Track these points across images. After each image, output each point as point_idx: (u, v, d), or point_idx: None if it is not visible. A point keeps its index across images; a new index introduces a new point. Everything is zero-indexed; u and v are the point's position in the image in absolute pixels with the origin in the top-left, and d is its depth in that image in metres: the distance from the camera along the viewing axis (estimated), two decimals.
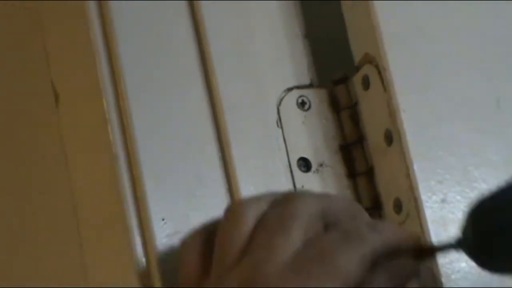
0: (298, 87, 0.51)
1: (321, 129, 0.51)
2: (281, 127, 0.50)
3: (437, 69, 0.50)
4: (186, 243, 0.43)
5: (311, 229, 0.39)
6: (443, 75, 0.50)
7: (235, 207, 0.42)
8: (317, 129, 0.51)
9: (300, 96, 0.51)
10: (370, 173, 0.50)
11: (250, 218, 0.40)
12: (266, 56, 0.52)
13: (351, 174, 0.51)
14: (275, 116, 0.50)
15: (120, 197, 0.45)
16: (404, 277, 0.39)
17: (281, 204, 0.40)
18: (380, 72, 0.48)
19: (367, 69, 0.49)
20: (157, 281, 0.44)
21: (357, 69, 0.51)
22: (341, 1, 0.52)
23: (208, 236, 0.43)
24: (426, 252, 0.40)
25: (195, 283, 0.42)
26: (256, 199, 0.42)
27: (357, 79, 0.51)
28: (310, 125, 0.51)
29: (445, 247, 0.39)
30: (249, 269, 0.38)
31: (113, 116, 0.46)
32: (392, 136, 0.47)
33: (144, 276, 0.44)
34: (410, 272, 0.39)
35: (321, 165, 0.50)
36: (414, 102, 0.48)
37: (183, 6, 0.50)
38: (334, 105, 0.52)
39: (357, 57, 0.51)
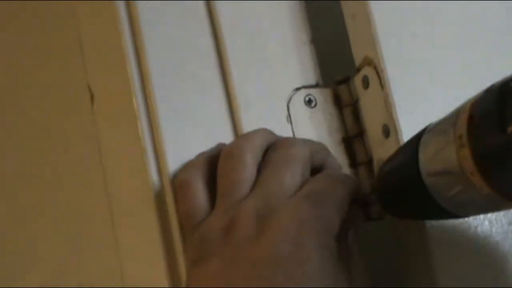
0: (305, 87, 0.53)
1: (326, 123, 0.53)
2: (291, 122, 0.52)
3: (429, 70, 0.51)
4: (186, 179, 0.45)
5: (307, 167, 0.45)
6: (435, 75, 0.51)
7: (235, 149, 0.45)
8: (322, 124, 0.53)
9: (307, 95, 0.53)
10: (369, 163, 0.52)
11: (250, 159, 0.44)
12: (277, 60, 0.53)
13: (353, 163, 0.53)
14: (285, 113, 0.52)
15: (149, 185, 0.47)
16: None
17: (282, 147, 0.45)
18: (378, 73, 0.50)
19: (367, 71, 0.51)
20: None
21: (358, 70, 0.52)
22: (344, 10, 0.54)
23: (207, 172, 0.45)
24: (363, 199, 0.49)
25: (201, 216, 0.44)
26: (251, 141, 0.45)
27: (357, 79, 0.52)
28: (316, 120, 0.53)
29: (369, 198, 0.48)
30: (263, 198, 0.42)
31: (142, 114, 0.48)
32: (389, 130, 0.49)
33: None
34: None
35: (333, 156, 0.51)
36: (408, 99, 0.49)
37: (205, 25, 0.52)
38: (337, 102, 0.54)
39: (358, 59, 0.52)
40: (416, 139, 0.41)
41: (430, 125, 0.41)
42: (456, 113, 0.38)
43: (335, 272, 0.41)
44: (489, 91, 0.36)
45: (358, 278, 0.47)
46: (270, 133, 0.48)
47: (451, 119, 0.38)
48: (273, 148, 0.46)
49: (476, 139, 0.36)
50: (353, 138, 0.54)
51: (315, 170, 0.47)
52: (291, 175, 0.44)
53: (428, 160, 0.39)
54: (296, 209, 0.41)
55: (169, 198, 0.47)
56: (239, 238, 0.41)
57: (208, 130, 0.50)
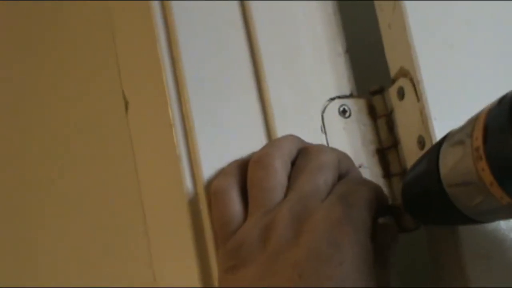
0: (339, 97, 0.54)
1: (360, 134, 0.53)
2: (325, 132, 0.52)
3: (465, 82, 0.51)
4: (221, 186, 0.46)
5: (336, 174, 0.46)
6: (471, 86, 0.51)
7: (264, 157, 0.46)
8: (356, 134, 0.53)
9: (342, 105, 0.53)
10: (403, 174, 0.52)
11: (280, 166, 0.45)
12: (312, 70, 0.54)
13: (387, 174, 0.53)
14: (320, 123, 0.53)
15: (183, 193, 0.48)
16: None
17: (313, 155, 0.46)
18: (414, 84, 0.50)
19: (402, 82, 0.51)
20: None
21: (393, 81, 0.52)
22: (379, 20, 0.54)
23: (240, 179, 0.46)
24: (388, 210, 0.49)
25: (236, 224, 0.45)
26: (279, 147, 0.46)
27: (392, 90, 0.52)
28: (350, 130, 0.53)
29: (398, 210, 0.48)
30: (299, 202, 0.43)
31: (177, 121, 0.48)
32: (424, 142, 0.49)
33: None
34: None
35: (360, 166, 0.52)
36: (445, 111, 0.49)
37: (241, 33, 0.52)
38: (372, 113, 0.54)
39: (393, 70, 0.52)
40: (437, 148, 0.42)
41: (450, 132, 0.42)
42: (472, 122, 0.38)
43: (371, 273, 0.41)
44: (501, 103, 0.37)
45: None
46: (298, 139, 0.49)
47: (468, 129, 0.39)
48: (304, 155, 0.47)
49: (492, 152, 0.36)
50: (387, 149, 0.54)
51: (341, 176, 0.48)
52: (324, 181, 0.45)
53: (449, 172, 0.40)
54: (331, 211, 0.42)
55: (203, 205, 0.48)
56: (277, 241, 0.42)
57: (242, 138, 0.50)
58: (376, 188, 0.47)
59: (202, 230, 0.48)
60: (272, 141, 0.49)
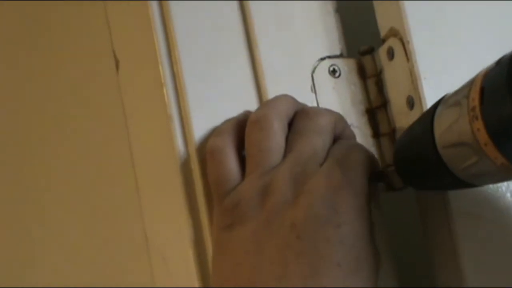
0: (329, 57, 0.54)
1: (349, 94, 0.54)
2: (315, 92, 0.52)
3: (455, 42, 0.51)
4: (217, 145, 0.46)
5: (332, 136, 0.46)
6: (462, 47, 0.51)
7: (262, 118, 0.45)
8: (346, 94, 0.53)
9: (332, 65, 0.53)
10: (392, 133, 0.52)
11: (278, 127, 0.45)
12: (302, 30, 0.53)
13: (376, 134, 0.53)
14: (310, 83, 0.52)
15: (174, 153, 0.48)
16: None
17: (311, 117, 0.46)
18: (404, 44, 0.50)
19: (392, 42, 0.51)
20: None
21: (383, 41, 0.52)
22: None
23: (236, 138, 0.46)
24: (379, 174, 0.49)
25: (232, 183, 0.45)
26: (276, 108, 0.46)
27: (382, 51, 0.52)
28: (340, 90, 0.53)
29: (389, 172, 0.48)
30: (298, 164, 0.43)
31: (168, 80, 0.48)
32: (414, 101, 0.49)
33: None
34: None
35: (350, 126, 0.52)
36: (434, 71, 0.49)
37: None
38: (362, 73, 0.54)
39: (383, 30, 0.52)
40: (432, 111, 0.42)
41: (446, 95, 0.42)
42: (469, 85, 0.39)
43: (370, 237, 0.42)
44: (499, 63, 0.37)
45: (379, 247, 0.46)
46: (293, 100, 0.49)
47: (464, 91, 0.39)
48: (302, 117, 0.47)
49: (488, 111, 0.36)
50: (376, 109, 0.54)
51: (335, 137, 0.48)
52: (322, 144, 0.45)
53: (443, 133, 0.40)
54: (330, 175, 0.42)
55: (195, 165, 0.48)
56: (275, 202, 0.42)
57: (234, 98, 0.50)
58: (369, 154, 0.47)
59: (194, 191, 0.48)
60: (268, 101, 0.49)
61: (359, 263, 0.40)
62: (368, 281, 0.41)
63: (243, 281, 0.41)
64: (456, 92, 0.40)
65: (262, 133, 0.45)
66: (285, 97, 0.48)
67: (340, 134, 0.49)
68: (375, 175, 0.48)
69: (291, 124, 0.47)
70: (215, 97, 0.50)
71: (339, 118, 0.49)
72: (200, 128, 0.49)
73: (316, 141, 0.45)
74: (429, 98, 0.49)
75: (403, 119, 0.52)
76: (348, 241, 0.40)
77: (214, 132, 0.47)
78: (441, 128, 0.40)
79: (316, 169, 0.43)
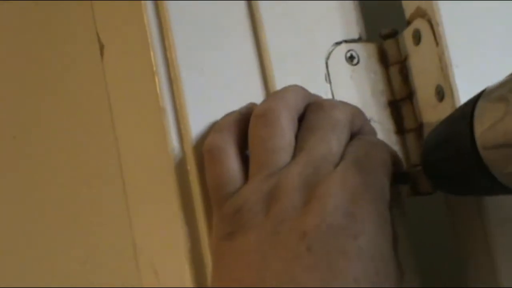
0: (346, 41, 0.51)
1: (369, 84, 0.51)
2: (330, 82, 0.50)
3: (490, 24, 0.49)
4: (217, 143, 0.44)
5: (349, 133, 0.44)
6: (497, 30, 0.49)
7: (268, 112, 0.43)
8: (365, 84, 0.51)
9: (349, 50, 0.51)
10: (419, 129, 0.50)
11: (287, 122, 0.43)
12: (315, 10, 0.51)
13: (400, 130, 0.51)
14: (324, 71, 0.50)
15: (168, 152, 0.45)
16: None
17: (324, 111, 0.44)
18: (433, 26, 0.48)
19: (419, 23, 0.49)
20: None
21: (408, 23, 0.50)
22: None
23: (239, 135, 0.44)
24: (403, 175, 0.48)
25: (233, 186, 0.43)
26: (285, 101, 0.44)
27: (407, 34, 0.50)
28: (358, 79, 0.51)
29: (415, 173, 0.48)
30: (310, 165, 0.41)
31: (160, 69, 0.46)
32: (444, 92, 0.47)
33: None
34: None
35: (369, 120, 0.50)
36: (467, 57, 0.47)
37: None
38: (383, 59, 0.52)
39: (408, 11, 0.50)
40: (471, 105, 0.39)
41: (487, 88, 0.39)
42: None
43: (390, 249, 0.39)
44: None
45: (402, 261, 0.44)
46: (304, 91, 0.46)
47: (511, 84, 0.37)
48: (314, 111, 0.44)
49: None
50: (400, 101, 0.51)
51: (352, 134, 0.46)
52: (337, 142, 0.42)
53: (485, 132, 0.38)
54: (346, 177, 0.40)
55: (191, 166, 0.45)
56: (282, 208, 0.39)
57: (236, 88, 0.48)
58: (392, 152, 0.45)
59: (190, 194, 0.45)
60: (275, 92, 0.47)
61: (380, 279, 0.38)
62: None
63: None
64: (501, 85, 0.38)
65: (268, 129, 0.42)
66: (295, 88, 0.46)
67: (358, 130, 0.46)
68: (399, 177, 0.46)
69: (301, 119, 0.44)
70: (215, 88, 0.47)
71: (357, 112, 0.46)
72: (197, 123, 0.46)
73: (330, 138, 0.42)
74: (462, 89, 0.47)
75: (431, 112, 0.49)
76: (367, 254, 0.37)
77: (214, 128, 0.45)
78: (483, 127, 0.38)
79: (330, 171, 0.40)
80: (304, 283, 0.37)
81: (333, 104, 0.45)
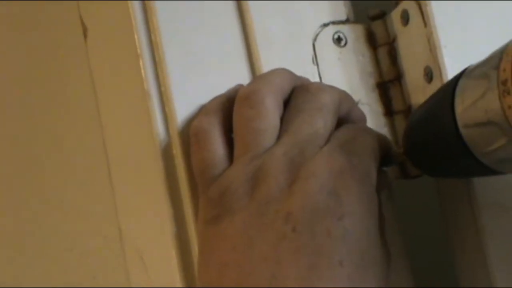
0: (334, 23, 0.51)
1: (357, 66, 0.51)
2: (317, 64, 0.50)
3: (479, 4, 0.48)
4: (202, 126, 0.43)
5: (336, 116, 0.44)
6: (485, 10, 0.48)
7: (252, 94, 0.43)
8: (353, 66, 0.51)
9: (336, 32, 0.50)
10: (408, 111, 0.50)
11: (272, 104, 0.42)
12: None
13: (389, 112, 0.51)
14: (311, 53, 0.50)
15: (153, 136, 0.45)
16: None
17: (311, 93, 0.43)
18: (421, 6, 0.47)
19: (407, 4, 0.49)
20: None
21: (396, 4, 0.50)
22: None
23: (224, 118, 0.44)
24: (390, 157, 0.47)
25: (219, 168, 0.42)
26: (270, 83, 0.43)
27: (395, 15, 0.50)
28: (346, 61, 0.51)
29: (399, 155, 0.46)
30: (295, 146, 0.41)
31: (145, 51, 0.45)
32: (432, 73, 0.47)
33: None
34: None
35: (357, 103, 0.50)
36: (456, 37, 0.47)
37: None
38: (371, 41, 0.52)
39: None
40: (452, 84, 0.39)
41: (469, 66, 0.39)
42: (499, 55, 0.36)
43: (377, 231, 0.39)
44: None
45: (391, 244, 0.44)
46: (291, 74, 0.46)
47: (493, 61, 0.36)
48: (300, 93, 0.44)
49: None
50: (389, 82, 0.51)
51: (340, 119, 0.46)
52: (323, 124, 0.42)
53: (466, 109, 0.38)
54: (332, 158, 0.39)
55: (177, 150, 0.45)
56: (267, 189, 0.39)
57: (223, 71, 0.47)
58: (379, 136, 0.45)
59: (176, 179, 0.45)
60: (261, 75, 0.46)
61: (365, 262, 0.37)
62: (376, 282, 0.38)
63: (230, 283, 0.38)
64: (483, 63, 0.38)
65: (252, 111, 0.42)
66: (281, 71, 0.45)
67: (346, 115, 0.46)
68: (387, 160, 0.45)
69: (287, 102, 0.44)
70: (201, 71, 0.47)
71: (344, 96, 0.46)
72: (183, 106, 0.46)
73: (316, 120, 0.42)
74: (451, 70, 0.47)
75: (420, 94, 0.49)
76: (352, 236, 0.37)
77: (200, 111, 0.45)
78: (464, 104, 0.38)
79: (315, 152, 0.40)
80: (290, 265, 0.37)
81: (320, 87, 0.44)
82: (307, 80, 0.47)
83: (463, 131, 0.38)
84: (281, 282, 0.37)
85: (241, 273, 0.38)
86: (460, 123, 0.38)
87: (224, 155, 0.42)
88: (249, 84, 0.44)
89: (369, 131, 0.45)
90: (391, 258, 0.41)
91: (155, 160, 0.45)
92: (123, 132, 0.47)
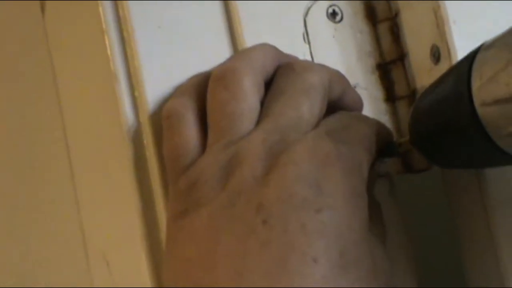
0: None
1: (355, 44, 0.49)
2: (308, 42, 0.48)
3: None
4: (175, 108, 0.42)
5: (325, 99, 0.42)
6: None
7: (229, 72, 0.41)
8: (350, 45, 0.49)
9: (331, 6, 0.49)
10: (412, 96, 0.49)
11: (250, 85, 0.41)
12: None
13: (390, 97, 0.50)
14: (301, 29, 0.48)
15: (120, 122, 0.43)
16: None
17: (297, 73, 0.42)
18: None
19: None
20: None
21: None
22: None
23: (200, 100, 0.42)
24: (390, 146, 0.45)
25: (191, 157, 0.41)
26: (249, 61, 0.41)
27: None
28: (342, 39, 0.49)
29: (404, 144, 0.44)
30: (276, 131, 0.39)
31: (110, 26, 0.43)
32: (440, 52, 0.45)
33: None
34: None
35: (354, 87, 0.48)
36: (466, 12, 0.45)
37: None
38: (371, 16, 0.50)
39: None
40: (470, 59, 0.37)
41: (485, 43, 0.37)
42: None
43: (362, 228, 0.37)
44: None
45: (394, 243, 0.43)
46: (275, 50, 0.44)
47: None
48: (284, 73, 0.42)
49: None
50: (390, 63, 0.50)
51: (331, 103, 0.44)
52: (309, 107, 0.40)
53: (485, 84, 0.35)
54: (316, 144, 0.37)
55: (148, 140, 0.43)
56: (241, 178, 0.37)
57: (200, 49, 0.45)
58: (378, 125, 0.43)
59: (147, 171, 0.43)
60: (241, 51, 0.44)
61: (345, 262, 0.35)
62: (359, 283, 0.36)
63: (192, 281, 0.37)
64: (504, 34, 0.35)
65: (227, 93, 0.40)
66: (263, 47, 0.43)
67: (339, 99, 0.44)
68: (389, 151, 0.44)
69: (270, 83, 0.42)
70: (176, 48, 0.44)
71: (337, 77, 0.44)
72: (155, 89, 0.43)
73: (300, 103, 0.40)
74: (461, 49, 0.44)
75: (426, 76, 0.47)
76: (330, 231, 0.35)
77: (174, 93, 0.43)
78: (482, 79, 0.35)
79: (299, 138, 0.38)
80: (256, 260, 0.35)
81: (307, 65, 0.42)
82: (295, 58, 0.45)
83: (480, 110, 0.35)
84: (245, 278, 0.35)
85: (203, 270, 0.36)
86: (476, 101, 0.35)
87: (196, 142, 0.41)
88: (225, 62, 0.42)
89: (366, 119, 0.43)
90: (386, 259, 0.40)
91: (123, 152, 0.43)
92: (85, 120, 0.45)
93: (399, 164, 0.48)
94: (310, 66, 0.43)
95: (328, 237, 0.35)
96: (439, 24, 0.45)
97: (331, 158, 0.37)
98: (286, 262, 0.35)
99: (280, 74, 0.42)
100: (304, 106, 0.40)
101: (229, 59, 0.43)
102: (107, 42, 0.43)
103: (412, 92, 0.49)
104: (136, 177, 0.43)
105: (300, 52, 0.47)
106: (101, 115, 0.44)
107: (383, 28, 0.50)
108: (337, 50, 0.49)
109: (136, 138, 0.43)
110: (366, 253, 0.37)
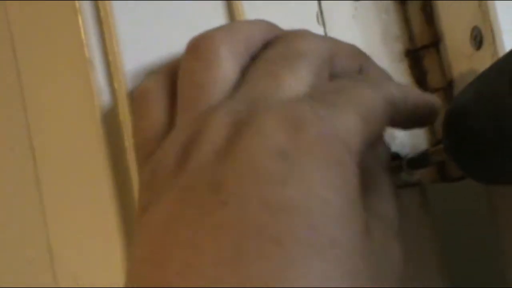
0: None
1: (379, 26, 0.46)
2: (323, 24, 0.45)
3: None
4: (146, 87, 0.39)
5: (319, 74, 0.38)
6: None
7: (203, 40, 0.38)
8: (373, 27, 0.46)
9: None
10: (449, 89, 0.45)
11: (227, 54, 0.37)
12: None
13: (422, 89, 0.46)
14: (315, 8, 0.44)
15: (96, 116, 0.39)
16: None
17: (284, 41, 0.38)
18: None
19: None
20: None
21: None
22: None
23: (175, 83, 0.39)
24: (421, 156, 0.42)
25: (159, 137, 0.38)
26: (232, 31, 0.38)
27: None
28: (363, 20, 0.46)
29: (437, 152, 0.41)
30: (246, 101, 0.35)
31: (86, 5, 0.39)
32: (482, 37, 0.42)
33: None
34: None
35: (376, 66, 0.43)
36: None
37: None
38: None
39: None
40: None
41: None
42: None
43: (346, 206, 0.32)
44: None
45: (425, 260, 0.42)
46: (270, 25, 0.40)
47: None
48: (274, 42, 0.39)
49: None
50: (422, 49, 0.46)
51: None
52: (293, 76, 0.36)
53: None
54: (290, 109, 0.33)
55: (126, 128, 0.39)
56: (201, 157, 0.33)
57: (192, 32, 0.39)
58: (398, 89, 0.38)
59: (128, 177, 0.39)
60: (228, 23, 0.42)
61: (319, 241, 0.31)
62: (336, 265, 0.31)
63: (142, 282, 0.33)
64: None
65: (198, 62, 0.37)
66: (254, 20, 0.41)
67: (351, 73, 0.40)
68: (416, 159, 0.41)
69: None
70: (161, 30, 0.41)
71: (349, 51, 0.40)
72: (136, 78, 0.40)
73: (282, 72, 0.36)
74: (507, 32, 0.41)
75: (465, 64, 0.44)
76: (299, 209, 0.31)
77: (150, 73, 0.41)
78: None
79: (270, 106, 0.35)
80: (209, 247, 0.31)
81: (303, 33, 0.39)
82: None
83: None
84: (196, 270, 0.31)
85: (154, 268, 0.33)
86: None
87: (165, 123, 0.38)
88: (205, 31, 0.39)
89: (377, 83, 0.38)
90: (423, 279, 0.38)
91: (99, 150, 0.39)
92: (55, 114, 0.42)
93: (433, 171, 0.45)
94: (305, 34, 0.39)
95: (295, 215, 0.31)
96: (482, 4, 0.42)
97: (306, 121, 0.33)
98: (244, 245, 0.31)
99: (269, 45, 0.38)
100: (286, 76, 0.36)
101: (211, 29, 0.39)
102: (81, 24, 0.39)
103: (449, 84, 0.45)
104: (114, 181, 0.40)
105: None
106: (73, 107, 0.40)
107: (414, 7, 0.47)
108: (357, 33, 0.45)
109: (115, 134, 0.40)
110: (349, 232, 0.32)
